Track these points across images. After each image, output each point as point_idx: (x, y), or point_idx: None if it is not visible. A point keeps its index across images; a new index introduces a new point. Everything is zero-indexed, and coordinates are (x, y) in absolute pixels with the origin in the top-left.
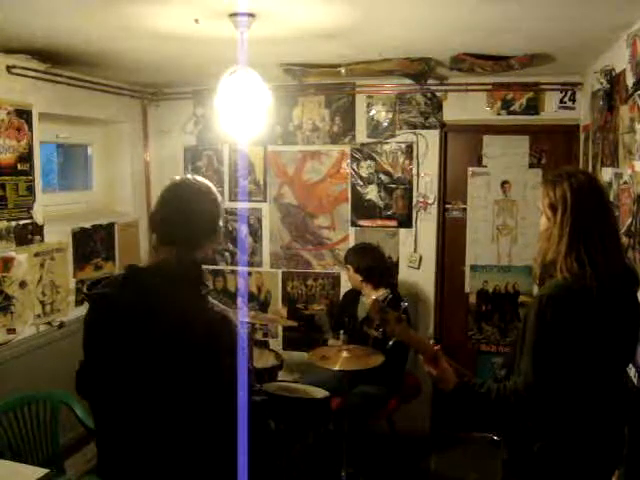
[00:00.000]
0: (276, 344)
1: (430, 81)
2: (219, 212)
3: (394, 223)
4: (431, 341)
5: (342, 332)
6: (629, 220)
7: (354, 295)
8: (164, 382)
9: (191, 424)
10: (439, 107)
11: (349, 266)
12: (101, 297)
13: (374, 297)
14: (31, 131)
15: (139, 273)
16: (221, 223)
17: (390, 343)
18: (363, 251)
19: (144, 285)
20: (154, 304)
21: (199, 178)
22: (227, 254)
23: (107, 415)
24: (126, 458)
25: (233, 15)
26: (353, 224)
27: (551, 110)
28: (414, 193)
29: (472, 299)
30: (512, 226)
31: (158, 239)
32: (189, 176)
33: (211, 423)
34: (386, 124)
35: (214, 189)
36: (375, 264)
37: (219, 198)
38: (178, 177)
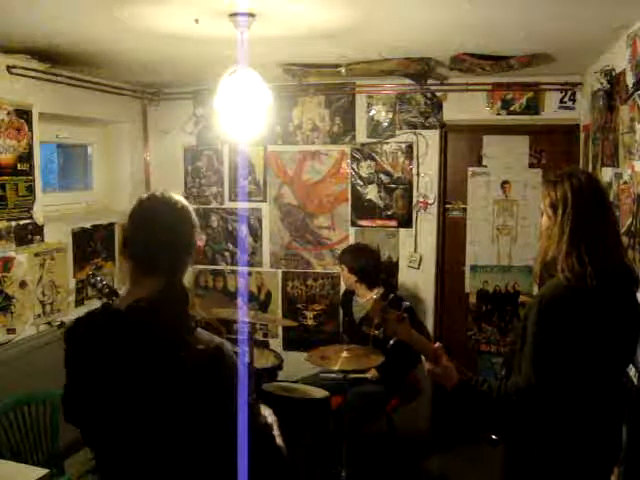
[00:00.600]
0: (276, 344)
1: (430, 81)
2: (196, 227)
3: (394, 223)
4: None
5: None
6: (629, 220)
7: (349, 295)
8: (163, 418)
9: (190, 456)
10: (439, 107)
11: (343, 266)
12: (81, 349)
13: (373, 296)
14: (31, 131)
15: (117, 317)
16: (196, 238)
17: (391, 342)
18: (357, 251)
19: (126, 330)
20: (140, 347)
21: (169, 194)
22: (227, 254)
23: (105, 451)
24: None
25: (233, 15)
26: (353, 224)
27: (551, 110)
28: (414, 193)
29: (472, 299)
30: (512, 226)
31: (138, 268)
32: (158, 193)
33: (211, 454)
34: (386, 124)
35: (186, 203)
36: (369, 264)
37: (192, 212)
38: (146, 195)
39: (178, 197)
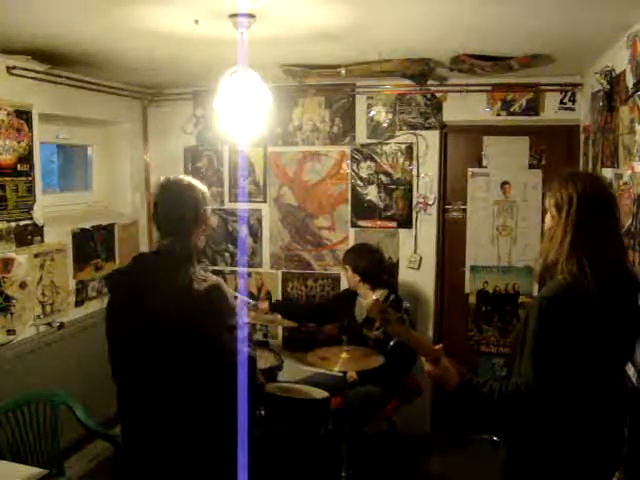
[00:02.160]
0: (276, 345)
1: (430, 82)
2: (201, 202)
3: (394, 224)
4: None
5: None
6: (629, 221)
7: (351, 296)
8: (169, 344)
9: (196, 378)
10: (439, 108)
11: (347, 266)
12: (113, 277)
13: (374, 297)
14: (31, 132)
15: (142, 257)
16: (207, 209)
17: (391, 344)
18: (361, 251)
19: (145, 265)
20: (153, 280)
21: (181, 177)
22: (227, 255)
23: (128, 384)
24: (145, 424)
25: (233, 16)
26: (353, 225)
27: (551, 111)
28: (414, 194)
29: (472, 300)
30: (512, 227)
31: (159, 232)
32: (171, 177)
33: (214, 377)
34: (386, 125)
35: (195, 183)
36: (373, 265)
37: (201, 190)
38: (163, 178)
39: (188, 178)
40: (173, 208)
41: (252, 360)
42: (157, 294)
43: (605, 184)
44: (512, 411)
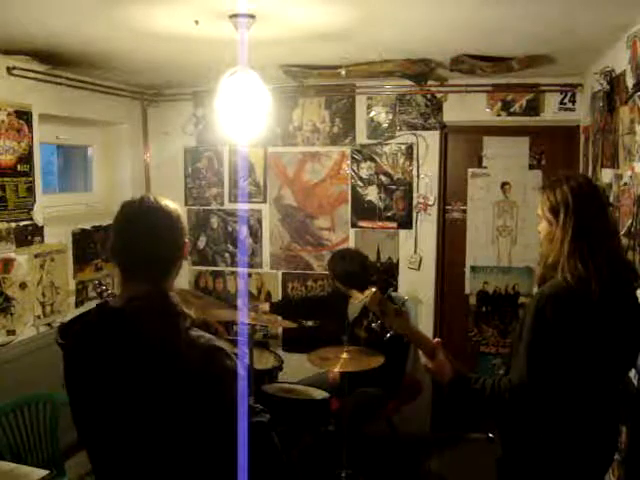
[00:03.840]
0: (276, 345)
1: (430, 82)
2: (183, 232)
3: (394, 224)
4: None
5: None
6: (629, 221)
7: (344, 295)
8: (157, 423)
9: (188, 460)
10: (439, 108)
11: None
12: (77, 347)
13: (372, 289)
14: (31, 132)
15: (110, 313)
16: (186, 239)
17: (388, 335)
18: (336, 258)
19: (121, 328)
20: (135, 345)
21: (154, 198)
22: (227, 255)
23: (102, 457)
24: None
25: (233, 16)
26: (353, 225)
27: (551, 111)
28: (414, 194)
29: (472, 300)
30: (512, 227)
31: (122, 273)
32: (144, 197)
33: (210, 455)
34: (386, 125)
35: (174, 206)
36: (350, 269)
37: (181, 216)
38: (129, 200)
39: (164, 201)
40: (149, 242)
41: (265, 431)
42: (140, 362)
43: (593, 181)
44: (505, 407)
